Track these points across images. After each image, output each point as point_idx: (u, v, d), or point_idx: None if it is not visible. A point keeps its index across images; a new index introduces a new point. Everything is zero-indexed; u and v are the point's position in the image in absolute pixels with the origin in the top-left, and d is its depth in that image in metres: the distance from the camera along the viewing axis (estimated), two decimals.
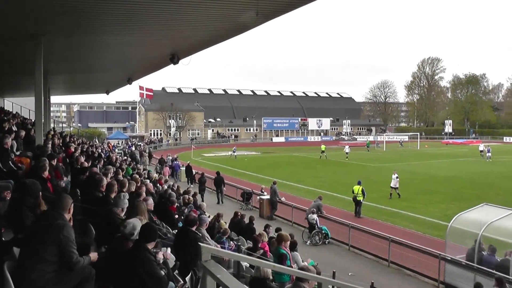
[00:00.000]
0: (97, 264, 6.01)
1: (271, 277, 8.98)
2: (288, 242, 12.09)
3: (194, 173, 40.07)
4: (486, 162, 57.53)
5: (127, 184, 11.25)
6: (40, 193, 7.22)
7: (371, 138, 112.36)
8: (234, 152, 69.20)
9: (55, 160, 12.32)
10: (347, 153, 65.09)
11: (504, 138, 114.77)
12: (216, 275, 3.89)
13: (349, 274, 17.42)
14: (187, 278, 7.75)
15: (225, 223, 16.61)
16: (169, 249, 7.96)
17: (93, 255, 6.04)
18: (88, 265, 5.77)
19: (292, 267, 11.07)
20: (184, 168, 42.27)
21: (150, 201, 11.39)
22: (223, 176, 33.88)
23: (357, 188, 26.85)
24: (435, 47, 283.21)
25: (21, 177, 9.58)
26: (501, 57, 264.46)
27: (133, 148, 65.78)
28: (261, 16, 10.75)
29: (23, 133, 16.52)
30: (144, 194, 11.81)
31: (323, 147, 69.93)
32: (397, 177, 32.45)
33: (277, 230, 16.54)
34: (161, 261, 6.61)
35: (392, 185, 32.46)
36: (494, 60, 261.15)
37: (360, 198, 26.68)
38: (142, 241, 6.18)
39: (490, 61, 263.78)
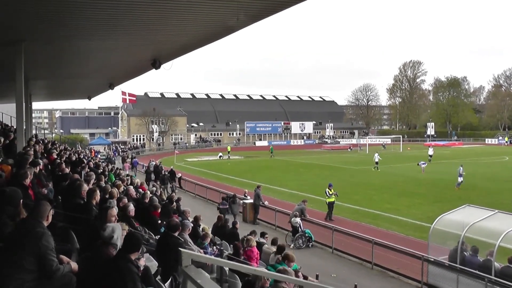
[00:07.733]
0: (78, 272, 5.95)
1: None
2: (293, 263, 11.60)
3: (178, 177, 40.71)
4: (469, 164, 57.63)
5: (109, 191, 11.19)
6: (21, 201, 7.12)
7: (353, 141, 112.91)
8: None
9: (38, 167, 12.20)
10: (376, 162, 53.42)
11: (486, 140, 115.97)
12: (196, 280, 3.88)
13: (332, 275, 17.50)
14: (167, 284, 7.72)
15: (208, 227, 16.61)
16: (145, 256, 7.92)
17: (74, 265, 5.98)
18: (68, 273, 5.70)
19: None
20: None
21: (131, 207, 11.27)
22: (175, 171, 40.79)
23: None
24: (416, 50, 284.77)
25: (2, 185, 9.46)
26: (482, 60, 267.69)
27: (113, 153, 66.78)
28: (241, 20, 10.78)
29: (3, 140, 16.33)
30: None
31: (228, 148, 77.77)
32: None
33: (262, 234, 16.52)
34: (141, 268, 6.54)
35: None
36: (475, 63, 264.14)
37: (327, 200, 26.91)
38: (125, 251, 6.01)
39: (471, 64, 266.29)
